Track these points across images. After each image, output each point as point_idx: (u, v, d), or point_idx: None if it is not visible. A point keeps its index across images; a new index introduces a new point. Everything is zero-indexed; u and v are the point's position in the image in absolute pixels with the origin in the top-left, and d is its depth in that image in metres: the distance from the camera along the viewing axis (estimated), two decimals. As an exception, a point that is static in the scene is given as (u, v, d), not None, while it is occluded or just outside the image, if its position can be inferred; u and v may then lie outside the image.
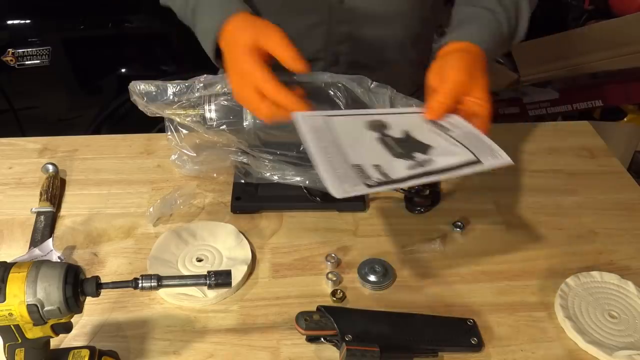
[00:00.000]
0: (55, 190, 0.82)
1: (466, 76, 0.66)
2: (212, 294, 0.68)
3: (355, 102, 0.76)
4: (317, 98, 0.76)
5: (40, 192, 0.81)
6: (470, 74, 0.67)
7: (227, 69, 0.70)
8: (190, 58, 1.13)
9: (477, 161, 0.62)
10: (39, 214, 0.79)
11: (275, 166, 0.77)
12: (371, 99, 0.78)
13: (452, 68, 0.67)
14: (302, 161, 0.78)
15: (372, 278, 0.71)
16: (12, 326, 0.51)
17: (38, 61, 1.57)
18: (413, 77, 1.04)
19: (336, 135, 0.64)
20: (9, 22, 1.57)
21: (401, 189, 0.82)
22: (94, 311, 0.67)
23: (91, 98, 1.72)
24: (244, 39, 0.66)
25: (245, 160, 0.79)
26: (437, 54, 0.72)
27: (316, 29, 0.86)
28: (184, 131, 0.78)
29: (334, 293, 0.70)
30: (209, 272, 0.56)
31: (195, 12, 0.75)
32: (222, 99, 0.76)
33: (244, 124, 0.75)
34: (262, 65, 0.64)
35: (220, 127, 0.76)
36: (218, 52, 0.72)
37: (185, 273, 0.71)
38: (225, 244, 0.75)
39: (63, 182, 0.86)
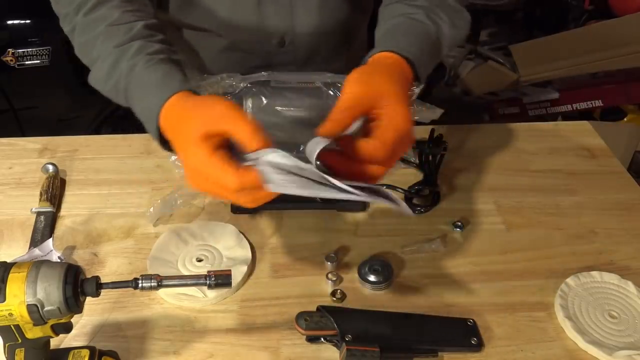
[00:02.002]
0: (55, 190, 0.82)
1: (359, 87, 0.59)
2: (212, 294, 0.68)
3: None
4: (317, 98, 0.76)
5: (40, 192, 0.81)
6: (366, 83, 0.59)
7: (180, 159, 0.60)
8: (190, 59, 1.12)
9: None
10: (39, 214, 0.79)
11: (275, 166, 0.77)
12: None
13: (347, 82, 0.60)
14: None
15: (372, 278, 0.71)
16: (12, 326, 0.51)
17: (38, 61, 1.57)
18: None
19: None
20: (9, 22, 1.57)
21: (401, 188, 0.82)
22: (94, 311, 0.67)
23: (91, 98, 1.71)
24: (190, 129, 0.56)
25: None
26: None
27: (260, 69, 0.86)
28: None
29: (334, 293, 0.70)
30: (209, 272, 0.56)
31: (128, 93, 0.66)
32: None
33: (244, 124, 0.75)
34: (217, 157, 0.54)
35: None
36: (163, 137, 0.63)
37: (185, 273, 0.71)
38: (225, 244, 0.75)
39: (63, 182, 0.86)
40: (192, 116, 0.57)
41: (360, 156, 0.57)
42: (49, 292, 0.49)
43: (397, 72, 0.64)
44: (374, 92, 0.59)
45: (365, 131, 0.59)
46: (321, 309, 0.64)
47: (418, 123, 0.87)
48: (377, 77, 0.61)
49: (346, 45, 0.97)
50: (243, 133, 0.54)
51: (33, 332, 0.52)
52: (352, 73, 0.61)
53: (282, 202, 0.81)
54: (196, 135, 0.55)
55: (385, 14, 0.75)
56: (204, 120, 0.56)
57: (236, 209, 0.81)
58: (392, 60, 0.65)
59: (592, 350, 0.64)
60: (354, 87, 0.59)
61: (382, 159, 0.57)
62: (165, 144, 0.63)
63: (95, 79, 0.70)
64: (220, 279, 0.56)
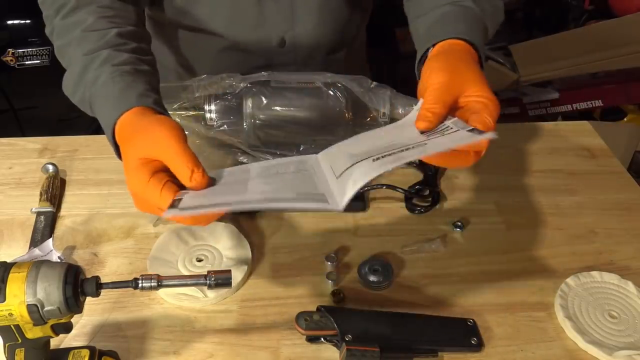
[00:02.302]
0: (55, 190, 0.82)
1: (447, 75, 0.59)
2: (212, 294, 0.68)
3: (355, 102, 0.76)
4: (317, 98, 0.76)
5: (40, 192, 0.81)
6: (452, 72, 0.60)
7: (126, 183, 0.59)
8: (191, 59, 1.12)
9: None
10: (39, 214, 0.79)
11: (275, 166, 0.77)
12: (371, 98, 0.78)
13: (432, 71, 0.60)
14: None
15: (372, 278, 0.71)
16: (12, 326, 0.51)
17: (38, 61, 1.57)
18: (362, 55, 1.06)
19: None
20: (9, 22, 1.57)
21: (401, 188, 0.82)
22: (94, 311, 0.67)
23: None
24: (131, 153, 0.57)
25: (245, 160, 0.79)
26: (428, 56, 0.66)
27: (261, 70, 0.86)
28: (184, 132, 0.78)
29: (334, 293, 0.70)
30: (209, 272, 0.56)
31: (92, 104, 0.66)
32: (222, 98, 0.76)
33: (244, 124, 0.75)
34: (154, 182, 0.54)
35: (220, 127, 0.76)
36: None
37: (185, 273, 0.71)
38: (225, 244, 0.75)
39: (63, 182, 0.86)
40: (135, 140, 0.57)
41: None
42: (49, 292, 0.49)
43: (471, 58, 0.63)
44: (460, 79, 0.59)
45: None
46: (321, 309, 0.64)
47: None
48: (459, 64, 0.60)
49: (346, 45, 0.97)
50: (180, 169, 0.54)
51: (33, 332, 0.52)
52: (431, 62, 0.62)
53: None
54: (135, 159, 0.55)
55: (426, 5, 0.74)
56: (144, 145, 0.56)
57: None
58: (462, 47, 0.65)
59: (592, 350, 0.64)
60: (440, 77, 0.59)
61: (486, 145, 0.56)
62: (120, 155, 0.63)
63: (66, 86, 0.69)
64: (220, 279, 0.56)
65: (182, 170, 0.54)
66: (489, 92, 0.58)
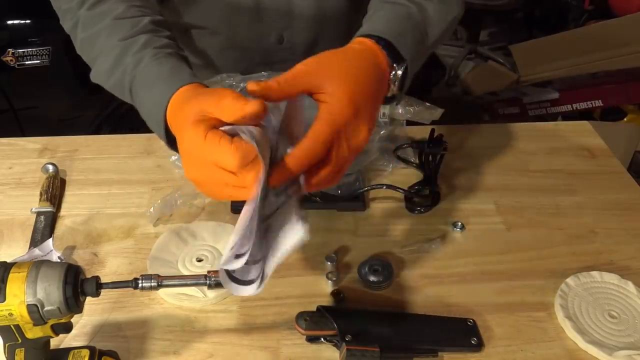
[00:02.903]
0: (55, 190, 0.82)
1: (307, 65, 0.54)
2: (212, 294, 0.68)
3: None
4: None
5: (40, 192, 0.81)
6: (315, 63, 0.55)
7: (179, 150, 0.54)
8: (191, 58, 1.12)
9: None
10: (39, 214, 0.79)
11: (275, 166, 0.77)
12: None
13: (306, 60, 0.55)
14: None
15: (372, 278, 0.71)
16: (12, 326, 0.51)
17: (38, 61, 1.57)
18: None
19: None
20: (9, 22, 1.57)
21: (401, 188, 0.82)
22: (94, 311, 0.67)
23: (91, 98, 1.72)
24: (186, 113, 0.52)
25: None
26: None
27: (259, 67, 0.86)
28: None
29: (334, 293, 0.70)
30: (209, 272, 0.56)
31: (134, 88, 0.63)
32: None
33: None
34: (212, 135, 0.49)
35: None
36: (171, 135, 0.59)
37: (185, 273, 0.71)
38: (225, 244, 0.75)
39: (63, 182, 0.86)
40: (191, 102, 0.53)
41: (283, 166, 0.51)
42: (49, 292, 0.49)
43: (362, 56, 0.59)
44: (318, 71, 0.54)
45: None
46: (321, 309, 0.64)
47: (418, 123, 0.88)
48: (330, 58, 0.56)
49: (345, 42, 0.97)
50: (233, 107, 0.49)
51: (33, 332, 0.52)
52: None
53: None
54: (191, 118, 0.50)
55: (371, 5, 0.73)
56: (201, 103, 0.52)
57: (236, 209, 0.81)
58: (362, 46, 0.61)
59: (592, 350, 0.64)
60: (299, 65, 0.54)
61: (307, 163, 0.51)
62: (171, 142, 0.60)
63: (98, 74, 0.68)
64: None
65: (235, 102, 0.48)
66: (343, 94, 0.53)
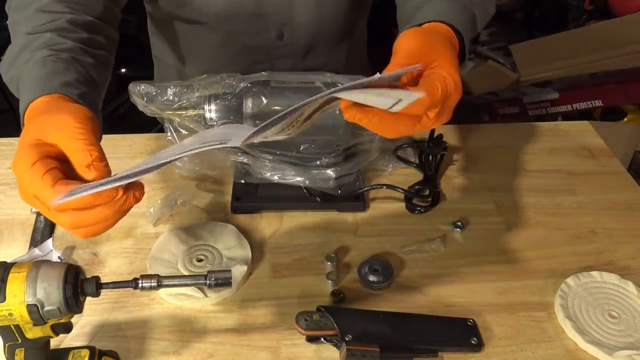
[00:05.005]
0: (55, 190, 0.82)
1: (419, 42, 0.55)
2: (212, 294, 0.68)
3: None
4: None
5: (40, 192, 0.81)
6: (424, 40, 0.56)
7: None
8: (189, 56, 1.12)
9: None
10: (39, 214, 0.79)
11: (275, 166, 0.77)
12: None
13: (404, 37, 0.57)
14: (302, 161, 0.78)
15: (372, 278, 0.71)
16: (12, 326, 0.51)
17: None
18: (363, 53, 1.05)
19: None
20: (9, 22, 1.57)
21: (401, 188, 0.82)
22: (94, 311, 0.67)
23: (91, 98, 1.72)
24: (27, 132, 0.51)
25: (245, 160, 0.79)
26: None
27: (260, 64, 0.85)
28: (184, 132, 0.78)
29: (334, 293, 0.70)
30: (209, 272, 0.56)
31: (19, 84, 0.62)
32: (222, 98, 0.76)
33: (244, 124, 0.75)
34: (39, 166, 0.47)
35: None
36: None
37: (185, 273, 0.71)
38: (225, 244, 0.75)
39: (63, 182, 0.86)
40: (37, 120, 0.51)
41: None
42: (49, 292, 0.49)
43: (451, 41, 0.60)
44: (430, 49, 0.55)
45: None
46: (321, 309, 0.64)
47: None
48: (435, 38, 0.57)
49: (346, 40, 0.97)
50: (78, 153, 0.48)
51: (33, 332, 0.52)
52: (406, 32, 0.58)
53: (282, 202, 0.82)
54: (28, 139, 0.49)
55: None
56: (43, 124, 0.50)
57: (236, 209, 0.81)
58: (445, 30, 0.62)
59: (592, 350, 0.64)
60: (411, 41, 0.55)
61: (423, 109, 0.51)
62: None
63: (2, 64, 0.65)
64: (220, 279, 0.56)
65: (81, 154, 0.48)
66: (455, 73, 0.54)
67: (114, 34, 0.74)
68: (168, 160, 0.48)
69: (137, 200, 0.50)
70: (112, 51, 0.71)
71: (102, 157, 0.49)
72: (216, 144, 0.49)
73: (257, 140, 0.50)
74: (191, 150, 0.49)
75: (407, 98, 0.49)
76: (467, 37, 0.64)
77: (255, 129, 0.48)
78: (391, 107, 0.50)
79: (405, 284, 0.72)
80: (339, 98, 0.50)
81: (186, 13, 0.88)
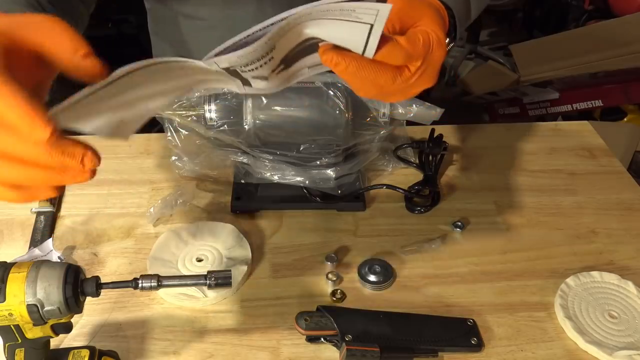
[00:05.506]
0: (55, 190, 0.82)
1: (403, 3, 0.51)
2: (212, 294, 0.68)
3: (355, 102, 0.76)
4: (317, 98, 0.76)
5: (40, 192, 0.81)
6: (409, 3, 0.52)
7: None
8: (188, 55, 1.13)
9: None
10: (38, 214, 0.79)
11: (275, 166, 0.77)
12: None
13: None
14: (302, 161, 0.78)
15: (372, 278, 0.71)
16: (12, 326, 0.51)
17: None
18: None
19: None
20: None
21: (401, 188, 0.82)
22: (94, 311, 0.67)
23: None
24: None
25: (245, 160, 0.79)
26: None
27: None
28: (184, 132, 0.78)
29: (334, 293, 0.70)
30: (209, 272, 0.56)
31: None
32: (222, 99, 0.76)
33: (244, 124, 0.75)
34: (12, 85, 0.37)
35: (220, 127, 0.76)
36: None
37: (185, 273, 0.71)
38: (225, 244, 0.75)
39: (63, 182, 0.86)
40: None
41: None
42: (49, 292, 0.49)
43: (439, 12, 0.58)
44: (414, 9, 0.52)
45: None
46: (321, 309, 0.64)
47: (418, 123, 0.88)
48: (421, 1, 0.54)
49: None
50: (68, 44, 0.39)
51: (33, 332, 0.52)
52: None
53: (282, 202, 0.82)
54: None
55: None
56: (12, 22, 0.39)
57: (236, 209, 0.81)
58: (436, 3, 0.59)
59: (592, 350, 0.64)
60: (397, 1, 0.51)
61: (403, 55, 0.48)
62: None
63: None
64: (220, 279, 0.56)
65: (74, 42, 0.39)
66: (440, 30, 0.51)
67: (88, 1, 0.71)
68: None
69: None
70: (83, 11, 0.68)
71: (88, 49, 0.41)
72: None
73: (222, 64, 0.46)
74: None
75: (372, 8, 0.43)
76: (458, 15, 0.62)
77: (221, 48, 0.46)
78: (365, 45, 0.47)
79: (405, 284, 0.72)
80: (317, 42, 0.48)
81: (186, 10, 0.88)
